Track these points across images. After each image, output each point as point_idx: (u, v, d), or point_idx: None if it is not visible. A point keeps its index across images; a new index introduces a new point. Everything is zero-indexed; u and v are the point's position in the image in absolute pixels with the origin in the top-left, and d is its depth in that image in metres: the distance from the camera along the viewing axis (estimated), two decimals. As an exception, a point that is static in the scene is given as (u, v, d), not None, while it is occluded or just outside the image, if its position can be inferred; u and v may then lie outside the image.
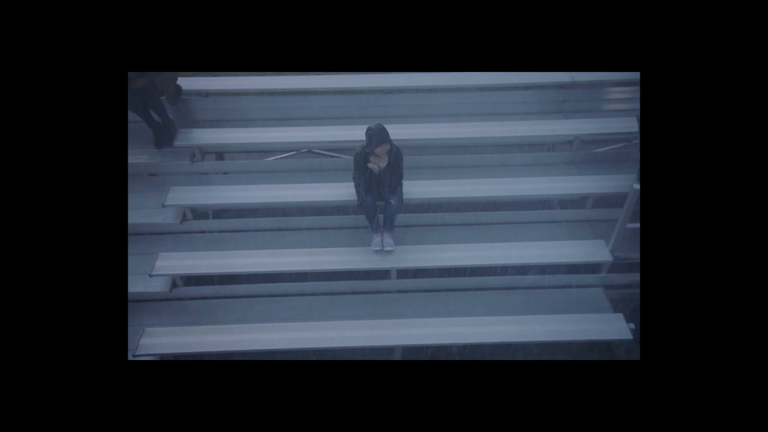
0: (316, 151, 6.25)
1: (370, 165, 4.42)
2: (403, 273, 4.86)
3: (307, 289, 4.84)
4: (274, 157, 5.81)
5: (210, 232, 5.13)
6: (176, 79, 5.47)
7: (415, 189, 4.93)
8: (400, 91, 5.96)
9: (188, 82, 5.66)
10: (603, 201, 5.16)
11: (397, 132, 4.38)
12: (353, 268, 4.66)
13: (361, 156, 4.43)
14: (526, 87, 6.08)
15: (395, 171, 4.52)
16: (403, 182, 4.74)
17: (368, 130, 4.27)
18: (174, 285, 4.68)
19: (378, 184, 4.54)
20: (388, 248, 4.61)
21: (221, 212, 5.50)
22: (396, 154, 4.46)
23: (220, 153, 5.87)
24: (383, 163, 4.42)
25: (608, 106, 6.11)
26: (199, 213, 5.32)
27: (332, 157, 5.79)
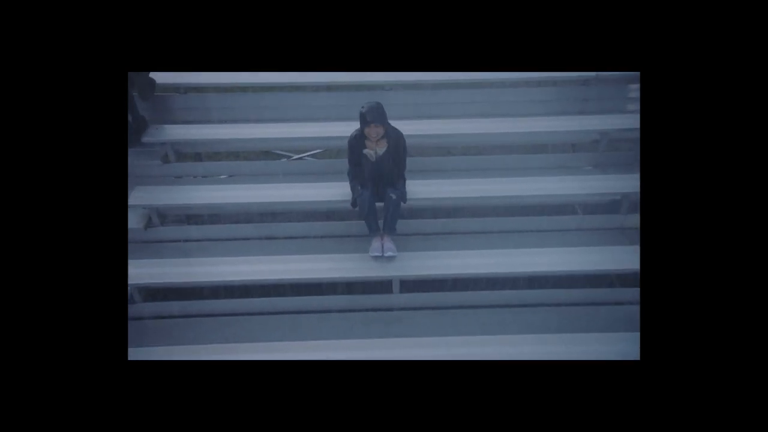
0: (306, 157, 5.61)
1: (365, 151, 3.73)
2: (407, 286, 4.09)
3: (293, 305, 4.05)
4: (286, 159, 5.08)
5: (181, 241, 4.40)
6: (149, 72, 4.82)
7: (418, 189, 4.20)
8: (403, 86, 5.32)
9: (163, 75, 5.01)
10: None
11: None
12: (348, 277, 3.90)
13: (356, 140, 3.76)
14: (542, 83, 5.44)
15: (396, 160, 3.82)
16: (406, 182, 4.03)
17: (362, 107, 3.61)
18: (131, 300, 3.90)
19: (376, 176, 3.83)
20: (389, 254, 3.86)
21: (195, 218, 4.78)
22: (397, 140, 3.77)
23: (198, 154, 5.19)
24: (381, 150, 3.73)
25: (637, 106, 5.45)
26: (170, 219, 4.60)
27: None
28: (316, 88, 5.29)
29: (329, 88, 5.28)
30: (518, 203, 4.68)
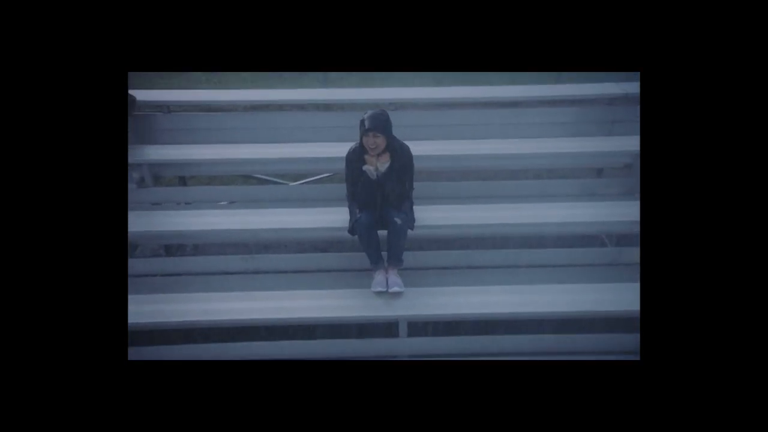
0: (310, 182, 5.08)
1: (365, 167, 3.21)
2: (416, 329, 3.48)
3: (279, 351, 3.43)
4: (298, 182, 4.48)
5: (156, 276, 3.84)
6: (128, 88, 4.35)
7: (429, 215, 3.66)
8: (410, 105, 4.84)
9: (146, 93, 4.55)
10: None
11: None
12: (346, 317, 3.29)
13: (354, 154, 3.23)
14: (563, 103, 4.96)
15: (400, 177, 3.28)
16: (414, 207, 3.50)
17: (363, 114, 3.12)
18: None
19: (377, 197, 3.29)
20: (395, 289, 3.26)
21: (173, 249, 4.24)
22: (402, 154, 3.25)
23: (183, 178, 4.67)
24: (383, 166, 3.19)
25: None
26: (144, 251, 4.05)
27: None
28: (316, 106, 4.82)
29: (328, 107, 4.80)
30: (540, 233, 4.15)
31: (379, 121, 3.10)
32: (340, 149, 3.46)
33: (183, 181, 4.69)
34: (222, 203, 4.57)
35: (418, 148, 3.55)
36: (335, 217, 3.62)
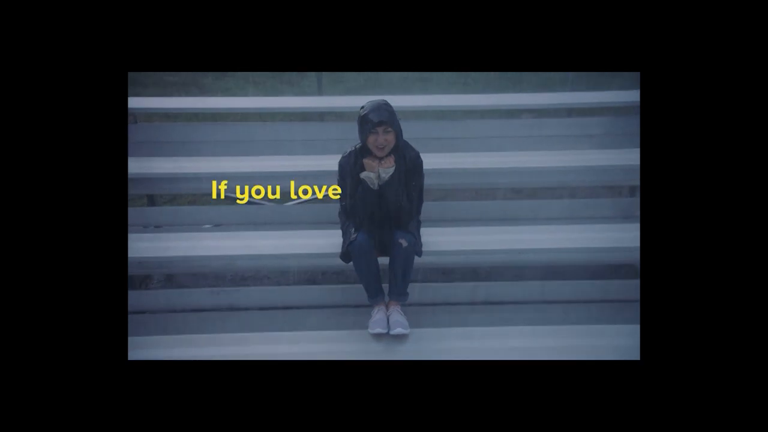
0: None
1: (363, 174, 2.63)
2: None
3: None
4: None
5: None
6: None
7: (438, 239, 3.07)
8: (413, 114, 4.29)
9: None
10: None
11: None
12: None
13: (350, 160, 2.67)
14: (588, 112, 4.44)
15: (409, 187, 2.72)
16: (421, 227, 2.94)
17: (360, 108, 2.63)
18: None
19: (378, 213, 2.70)
20: (399, 330, 2.65)
21: (138, 283, 3.66)
22: (411, 160, 2.72)
23: (152, 197, 4.10)
24: (387, 172, 2.62)
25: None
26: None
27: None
28: (305, 116, 4.29)
29: (321, 116, 4.25)
30: (568, 261, 3.64)
31: (387, 112, 2.59)
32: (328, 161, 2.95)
33: (152, 201, 4.11)
34: (206, 226, 4.02)
35: (426, 161, 3.00)
36: (325, 241, 3.04)
